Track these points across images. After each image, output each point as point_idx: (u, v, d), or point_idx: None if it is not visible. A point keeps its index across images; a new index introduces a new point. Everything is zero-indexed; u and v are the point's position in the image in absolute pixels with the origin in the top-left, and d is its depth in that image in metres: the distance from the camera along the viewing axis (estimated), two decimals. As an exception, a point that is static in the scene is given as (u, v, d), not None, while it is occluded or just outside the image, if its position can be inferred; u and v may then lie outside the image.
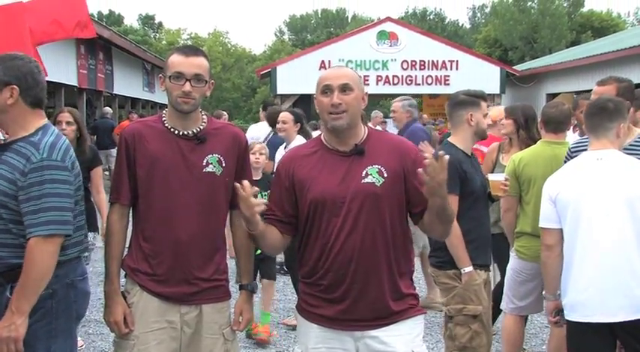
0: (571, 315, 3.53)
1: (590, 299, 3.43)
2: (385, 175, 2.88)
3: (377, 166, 2.89)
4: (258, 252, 3.20)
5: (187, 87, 3.02)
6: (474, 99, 4.07)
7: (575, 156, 4.08)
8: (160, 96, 26.92)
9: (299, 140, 6.35)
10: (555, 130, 4.88)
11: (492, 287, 5.62)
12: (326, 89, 2.91)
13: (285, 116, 6.67)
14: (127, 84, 22.02)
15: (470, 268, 3.97)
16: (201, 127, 3.13)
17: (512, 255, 4.95)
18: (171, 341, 3.11)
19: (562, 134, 4.92)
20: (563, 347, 4.60)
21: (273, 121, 8.36)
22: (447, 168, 3.80)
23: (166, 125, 3.12)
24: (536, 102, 20.77)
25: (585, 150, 3.93)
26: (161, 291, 3.08)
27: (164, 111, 3.19)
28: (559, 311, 3.69)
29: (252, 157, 5.80)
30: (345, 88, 2.90)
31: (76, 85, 16.02)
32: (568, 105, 5.04)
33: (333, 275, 2.91)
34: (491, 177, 4.35)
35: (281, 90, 21.04)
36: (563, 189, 3.55)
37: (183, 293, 3.09)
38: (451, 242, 3.86)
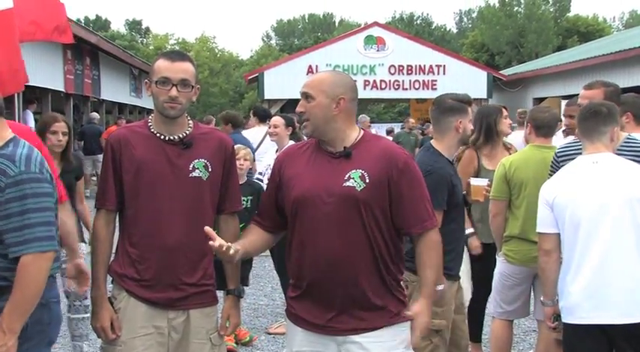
0: (568, 318, 3.50)
1: (587, 301, 3.40)
2: (367, 181, 2.87)
3: (360, 171, 2.88)
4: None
5: (174, 92, 3.01)
6: (462, 105, 3.97)
7: (562, 159, 4.09)
8: (147, 102, 26.84)
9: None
10: (547, 135, 4.88)
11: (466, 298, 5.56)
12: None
13: (276, 120, 6.68)
14: (114, 89, 21.97)
15: (442, 286, 3.75)
16: (188, 132, 3.12)
17: (501, 259, 4.95)
18: (159, 346, 3.09)
19: (551, 138, 4.93)
20: (552, 351, 4.62)
21: (233, 123, 8.70)
22: (439, 184, 3.79)
23: (152, 130, 3.11)
24: (524, 107, 20.84)
25: (571, 153, 3.92)
26: (148, 297, 3.06)
27: (150, 117, 3.18)
28: (557, 316, 3.66)
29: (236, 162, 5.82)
30: (306, 96, 2.94)
31: (62, 90, 15.97)
32: (557, 110, 5.04)
33: (312, 276, 2.92)
34: (473, 181, 4.31)
35: (268, 95, 21.07)
36: (559, 193, 3.53)
37: (170, 298, 3.07)
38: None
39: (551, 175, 4.11)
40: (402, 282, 3.07)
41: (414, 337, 2.99)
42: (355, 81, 3.15)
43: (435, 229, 3.01)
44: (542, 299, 3.76)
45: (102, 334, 3.09)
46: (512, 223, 4.85)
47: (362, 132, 3.01)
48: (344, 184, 2.87)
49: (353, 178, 2.87)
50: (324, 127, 2.93)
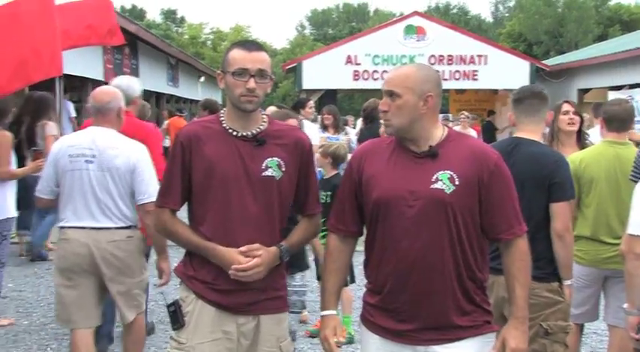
0: None
1: None
2: (457, 183, 2.68)
3: (449, 172, 2.69)
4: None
5: (252, 83, 2.85)
6: None
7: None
8: (183, 91, 26.89)
9: None
10: (618, 129, 4.61)
11: None
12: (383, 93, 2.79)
13: None
14: (151, 78, 21.97)
15: (571, 281, 3.79)
16: (261, 128, 2.96)
17: (568, 259, 4.72)
18: None
19: (624, 133, 4.66)
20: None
21: (212, 110, 8.66)
22: (566, 171, 3.66)
23: (224, 125, 2.94)
24: (570, 98, 20.39)
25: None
26: (218, 300, 2.91)
27: (222, 111, 3.02)
28: None
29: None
30: (391, 94, 2.75)
31: (102, 79, 15.97)
32: (631, 103, 4.79)
33: (394, 282, 2.75)
34: None
35: (307, 85, 20.81)
36: None
37: (240, 302, 2.92)
38: (567, 251, 3.70)
39: (635, 176, 3.89)
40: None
41: None
42: (438, 72, 2.94)
43: (524, 236, 2.81)
44: (625, 307, 3.51)
45: (239, 268, 2.83)
46: (581, 223, 4.61)
47: (446, 129, 2.83)
48: (431, 186, 2.68)
49: (441, 180, 2.68)
50: (410, 127, 2.74)
